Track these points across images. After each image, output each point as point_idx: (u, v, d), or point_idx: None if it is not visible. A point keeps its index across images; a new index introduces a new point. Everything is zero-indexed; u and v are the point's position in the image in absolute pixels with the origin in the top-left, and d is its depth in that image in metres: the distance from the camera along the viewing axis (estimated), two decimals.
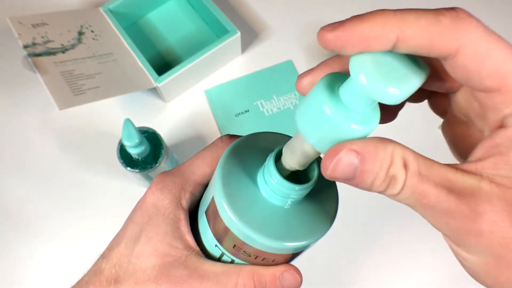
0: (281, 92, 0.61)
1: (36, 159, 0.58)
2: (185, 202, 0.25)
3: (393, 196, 0.17)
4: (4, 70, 0.63)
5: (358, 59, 0.16)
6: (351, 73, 0.16)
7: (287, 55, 0.64)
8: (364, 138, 0.17)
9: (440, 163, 0.17)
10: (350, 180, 0.17)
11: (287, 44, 0.64)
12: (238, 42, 0.60)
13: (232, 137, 0.26)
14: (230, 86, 0.62)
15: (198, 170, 0.25)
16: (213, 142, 0.26)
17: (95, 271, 0.24)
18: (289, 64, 0.63)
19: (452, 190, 0.16)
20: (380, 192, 0.17)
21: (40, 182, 0.57)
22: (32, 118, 0.60)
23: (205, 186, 0.26)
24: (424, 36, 0.15)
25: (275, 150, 0.22)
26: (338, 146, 0.17)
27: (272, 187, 0.22)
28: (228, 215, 0.21)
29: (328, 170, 0.17)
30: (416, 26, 0.15)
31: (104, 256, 0.24)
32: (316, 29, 0.17)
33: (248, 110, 0.61)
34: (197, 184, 0.26)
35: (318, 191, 0.23)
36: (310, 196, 0.23)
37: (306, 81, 0.20)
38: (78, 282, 0.24)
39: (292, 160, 0.21)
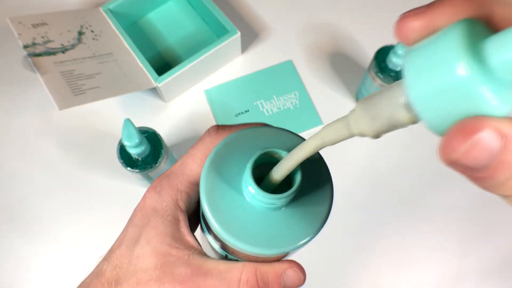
0: (281, 92, 0.61)
1: (36, 159, 0.58)
2: (182, 203, 0.25)
3: None
4: (4, 70, 0.63)
5: None
6: None
7: (287, 55, 0.64)
8: (505, 117, 0.12)
9: None
10: (476, 171, 0.12)
11: (287, 44, 0.64)
12: (238, 42, 0.60)
13: (219, 128, 0.25)
14: (230, 86, 0.62)
15: (189, 170, 0.25)
16: (201, 138, 0.25)
17: (96, 273, 0.24)
18: (289, 64, 0.63)
19: None
20: (504, 196, 0.13)
21: (40, 182, 0.57)
22: (32, 118, 0.60)
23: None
24: None
25: (253, 157, 0.20)
26: (476, 120, 0.12)
27: (253, 195, 0.21)
28: (215, 227, 0.21)
29: (458, 152, 0.12)
30: None
31: (105, 258, 0.24)
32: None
33: (248, 110, 0.61)
34: (191, 183, 0.25)
35: (310, 190, 0.22)
36: (301, 196, 0.22)
37: (417, 24, 0.14)
38: (81, 284, 0.24)
39: (367, 125, 0.15)
